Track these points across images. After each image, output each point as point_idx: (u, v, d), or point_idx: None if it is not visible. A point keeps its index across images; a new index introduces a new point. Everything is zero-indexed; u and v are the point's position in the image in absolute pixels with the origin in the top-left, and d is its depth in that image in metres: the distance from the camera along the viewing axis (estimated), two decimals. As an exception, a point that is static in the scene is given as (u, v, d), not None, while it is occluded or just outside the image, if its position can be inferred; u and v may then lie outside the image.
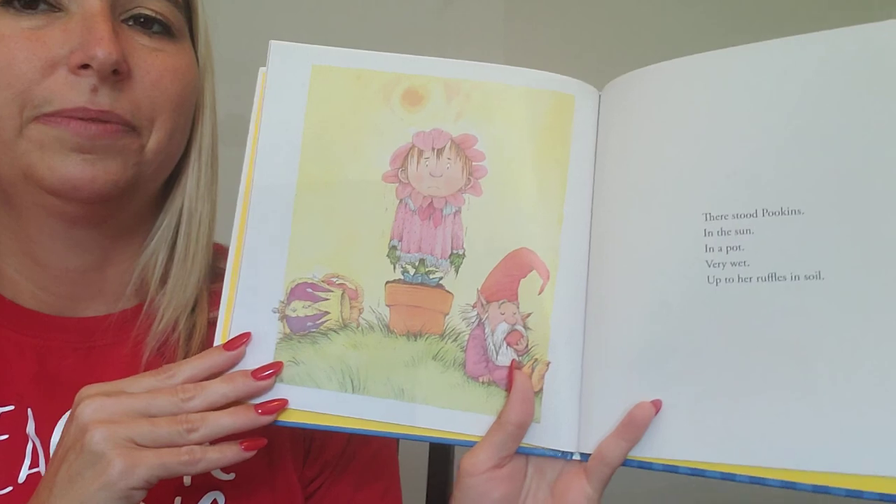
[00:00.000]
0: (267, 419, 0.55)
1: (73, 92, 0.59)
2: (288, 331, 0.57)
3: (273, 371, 0.56)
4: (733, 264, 0.52)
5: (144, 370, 0.65)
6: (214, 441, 0.54)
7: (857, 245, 0.50)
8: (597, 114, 0.60)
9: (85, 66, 0.59)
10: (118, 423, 0.51)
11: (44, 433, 0.64)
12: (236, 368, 0.57)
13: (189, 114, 0.68)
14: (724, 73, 0.55)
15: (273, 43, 0.60)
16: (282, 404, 0.56)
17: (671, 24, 1.26)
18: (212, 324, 0.70)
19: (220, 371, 0.56)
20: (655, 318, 0.55)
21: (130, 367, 0.67)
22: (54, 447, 0.62)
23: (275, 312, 0.58)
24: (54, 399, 0.65)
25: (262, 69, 0.61)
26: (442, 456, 1.03)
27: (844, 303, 0.50)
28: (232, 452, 0.54)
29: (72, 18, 0.60)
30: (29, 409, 0.64)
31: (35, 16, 0.60)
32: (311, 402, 0.57)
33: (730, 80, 0.54)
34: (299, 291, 0.58)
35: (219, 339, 0.58)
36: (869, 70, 0.50)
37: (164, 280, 0.69)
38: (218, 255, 0.74)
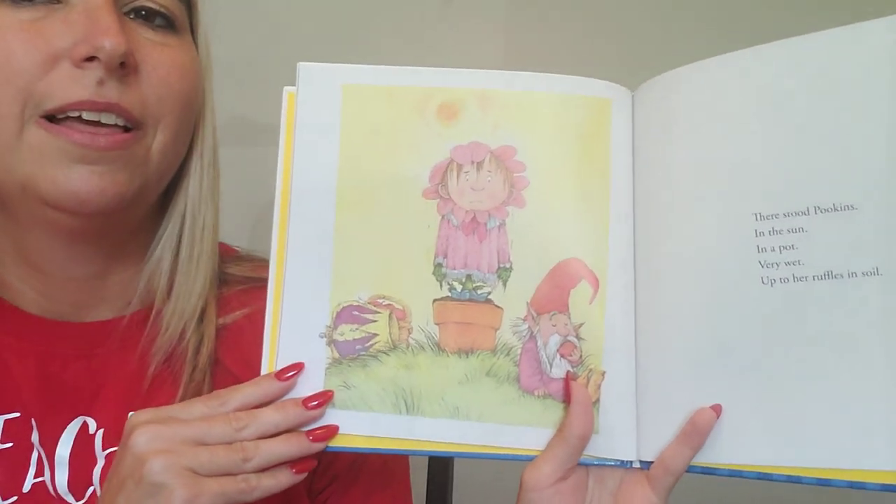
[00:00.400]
0: (319, 446, 0.56)
1: (78, 85, 0.58)
2: (337, 355, 0.57)
3: (322, 401, 0.56)
4: (787, 264, 0.52)
5: (152, 381, 0.66)
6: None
7: (915, 237, 0.49)
8: (631, 116, 0.60)
9: (90, 59, 0.58)
10: (177, 453, 0.51)
11: (48, 442, 0.64)
12: (287, 396, 0.57)
13: (194, 113, 0.67)
14: (766, 68, 0.54)
15: (301, 65, 0.59)
16: (332, 431, 0.56)
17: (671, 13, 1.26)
18: (220, 330, 0.70)
19: (271, 400, 0.56)
20: (710, 322, 0.55)
21: (136, 376, 0.66)
22: (59, 457, 0.63)
23: (322, 337, 0.57)
24: (58, 407, 0.65)
25: (286, 89, 0.60)
26: (442, 460, 1.04)
27: (905, 296, 0.49)
28: (285, 477, 0.55)
29: (73, 10, 0.59)
30: (32, 419, 0.64)
31: (33, 7, 0.59)
32: (366, 426, 0.57)
33: (772, 75, 0.54)
34: (345, 315, 0.58)
35: (266, 367, 0.58)
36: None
37: (169, 286, 0.68)
38: (224, 258, 0.74)
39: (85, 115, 0.59)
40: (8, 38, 0.58)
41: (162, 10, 0.63)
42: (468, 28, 1.22)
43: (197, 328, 0.68)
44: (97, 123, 0.59)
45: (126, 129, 0.61)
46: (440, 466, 1.04)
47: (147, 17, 0.63)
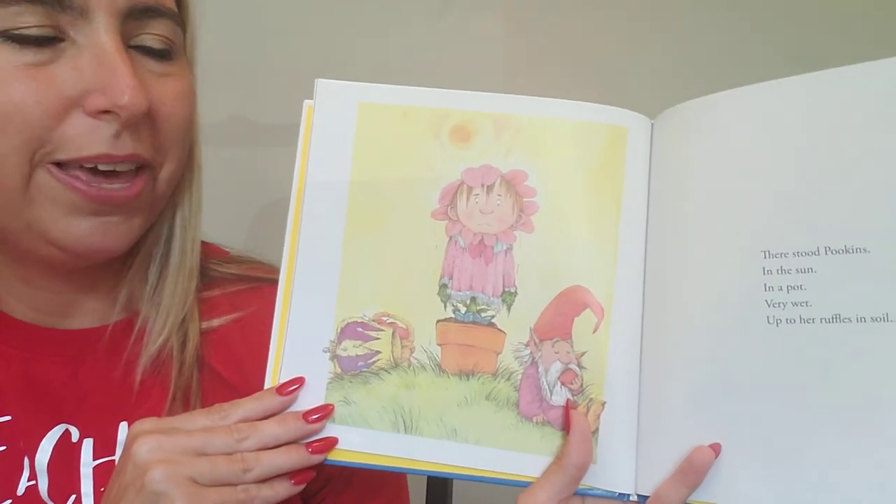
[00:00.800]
0: (318, 458, 0.57)
1: (93, 138, 0.57)
2: (339, 370, 0.58)
3: (322, 415, 0.57)
4: (795, 304, 0.52)
5: (140, 388, 0.67)
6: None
7: (927, 285, 0.48)
8: (649, 144, 0.59)
9: (106, 111, 0.57)
10: (178, 462, 0.52)
11: (29, 448, 0.65)
12: (288, 410, 0.58)
13: (192, 134, 0.68)
14: (784, 103, 0.54)
15: (319, 81, 0.61)
16: (331, 443, 0.57)
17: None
18: (208, 333, 0.71)
19: (272, 414, 0.57)
20: (714, 359, 0.54)
21: (123, 384, 0.67)
22: (38, 464, 0.64)
23: (325, 352, 0.58)
24: (39, 413, 0.66)
25: (306, 102, 0.61)
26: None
27: (914, 347, 0.48)
28: (283, 488, 0.56)
29: (80, 53, 0.57)
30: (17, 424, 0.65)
31: (37, 48, 0.56)
32: (364, 443, 0.58)
33: (790, 110, 0.54)
34: (350, 331, 0.59)
35: (269, 381, 0.59)
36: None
37: (155, 293, 0.69)
38: (214, 259, 0.75)
39: (101, 167, 0.59)
40: (13, 84, 0.55)
41: (166, 41, 0.62)
42: (468, 28, 1.23)
43: (180, 327, 0.69)
44: (111, 172, 0.59)
45: (137, 168, 0.61)
46: (439, 480, 1.06)
47: (151, 50, 0.62)
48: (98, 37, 0.57)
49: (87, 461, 0.65)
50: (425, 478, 1.05)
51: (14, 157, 0.56)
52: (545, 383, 0.58)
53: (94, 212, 0.59)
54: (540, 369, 0.58)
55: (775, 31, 1.20)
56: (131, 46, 0.61)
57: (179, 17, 0.64)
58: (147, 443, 0.53)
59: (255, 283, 0.75)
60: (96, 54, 0.57)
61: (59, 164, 0.58)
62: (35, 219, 0.59)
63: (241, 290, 0.74)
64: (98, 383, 0.67)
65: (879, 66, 0.51)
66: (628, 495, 0.57)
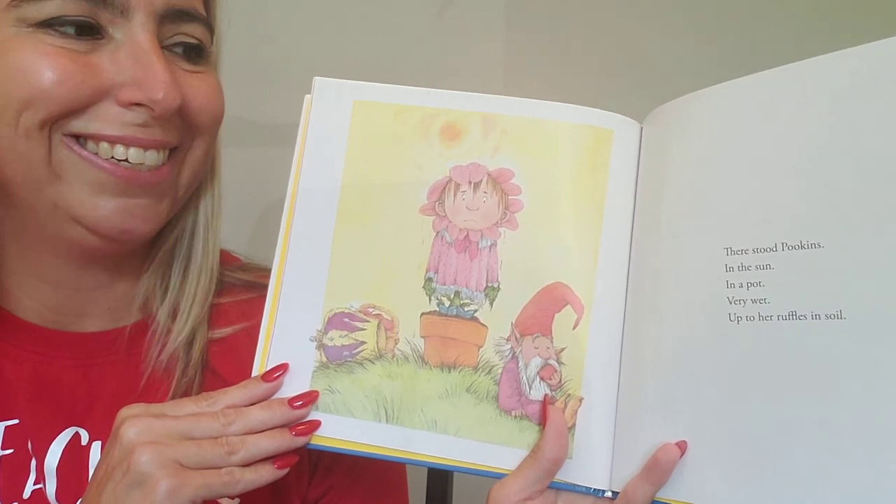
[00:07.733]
0: (302, 441, 0.70)
1: (117, 125, 0.71)
2: (325, 359, 0.73)
3: (307, 401, 0.71)
4: (754, 301, 0.64)
5: (147, 389, 0.80)
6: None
7: (880, 281, 0.59)
8: (638, 147, 0.73)
9: (138, 104, 0.71)
10: (164, 445, 0.63)
11: (39, 451, 0.76)
12: (274, 397, 0.72)
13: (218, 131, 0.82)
14: (745, 101, 0.67)
15: (317, 79, 0.77)
16: (315, 425, 0.71)
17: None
18: (216, 342, 0.85)
19: (259, 401, 0.71)
20: (682, 358, 0.68)
21: (131, 385, 0.80)
22: (48, 467, 0.76)
23: (312, 341, 0.74)
24: (50, 416, 0.77)
25: (307, 96, 0.77)
26: (441, 472, 1.20)
27: (868, 346, 0.58)
28: (267, 472, 0.67)
29: (119, 48, 0.71)
30: (27, 427, 0.77)
31: (77, 40, 0.70)
32: (346, 431, 0.72)
33: (749, 108, 0.67)
34: (336, 321, 0.74)
35: (257, 368, 0.74)
36: (886, 90, 0.60)
37: (172, 301, 0.82)
38: (225, 266, 0.89)
39: (131, 158, 0.72)
40: (53, 64, 0.69)
41: (198, 43, 0.78)
42: (468, 28, 1.40)
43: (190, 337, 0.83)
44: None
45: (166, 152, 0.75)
46: (439, 480, 1.20)
47: (184, 51, 0.77)
48: (136, 34, 0.72)
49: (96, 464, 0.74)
50: (425, 478, 1.20)
51: (35, 130, 0.69)
52: (524, 378, 0.71)
53: (122, 192, 0.73)
54: (520, 364, 0.71)
55: (791, 31, 1.34)
56: (165, 47, 0.75)
57: (208, 21, 0.80)
58: (135, 425, 0.64)
59: (265, 292, 0.88)
60: (134, 50, 0.72)
61: (78, 140, 0.72)
62: (61, 196, 0.72)
63: (251, 298, 0.89)
64: (109, 386, 0.80)
65: (831, 60, 0.63)
66: (603, 491, 0.70)
